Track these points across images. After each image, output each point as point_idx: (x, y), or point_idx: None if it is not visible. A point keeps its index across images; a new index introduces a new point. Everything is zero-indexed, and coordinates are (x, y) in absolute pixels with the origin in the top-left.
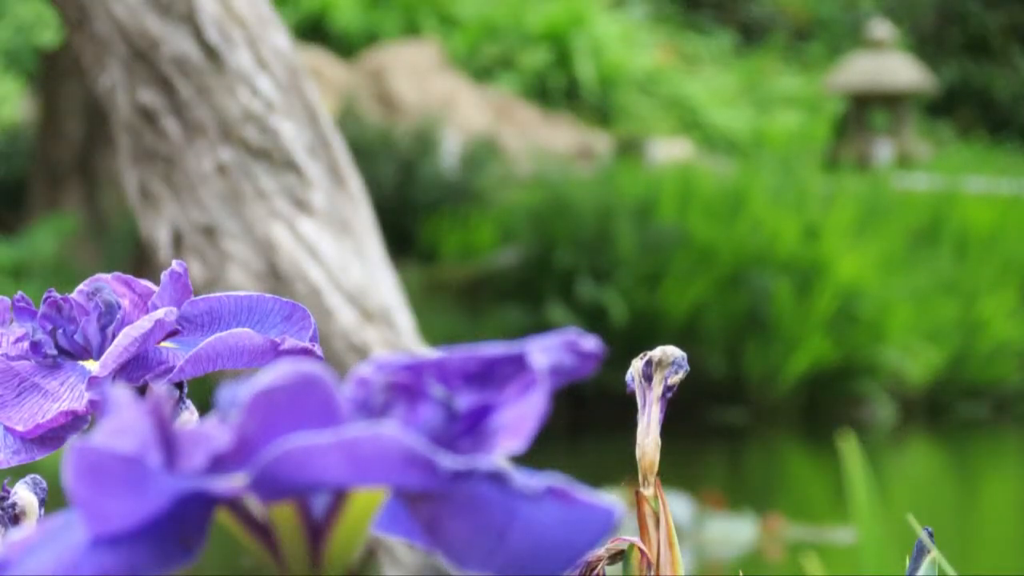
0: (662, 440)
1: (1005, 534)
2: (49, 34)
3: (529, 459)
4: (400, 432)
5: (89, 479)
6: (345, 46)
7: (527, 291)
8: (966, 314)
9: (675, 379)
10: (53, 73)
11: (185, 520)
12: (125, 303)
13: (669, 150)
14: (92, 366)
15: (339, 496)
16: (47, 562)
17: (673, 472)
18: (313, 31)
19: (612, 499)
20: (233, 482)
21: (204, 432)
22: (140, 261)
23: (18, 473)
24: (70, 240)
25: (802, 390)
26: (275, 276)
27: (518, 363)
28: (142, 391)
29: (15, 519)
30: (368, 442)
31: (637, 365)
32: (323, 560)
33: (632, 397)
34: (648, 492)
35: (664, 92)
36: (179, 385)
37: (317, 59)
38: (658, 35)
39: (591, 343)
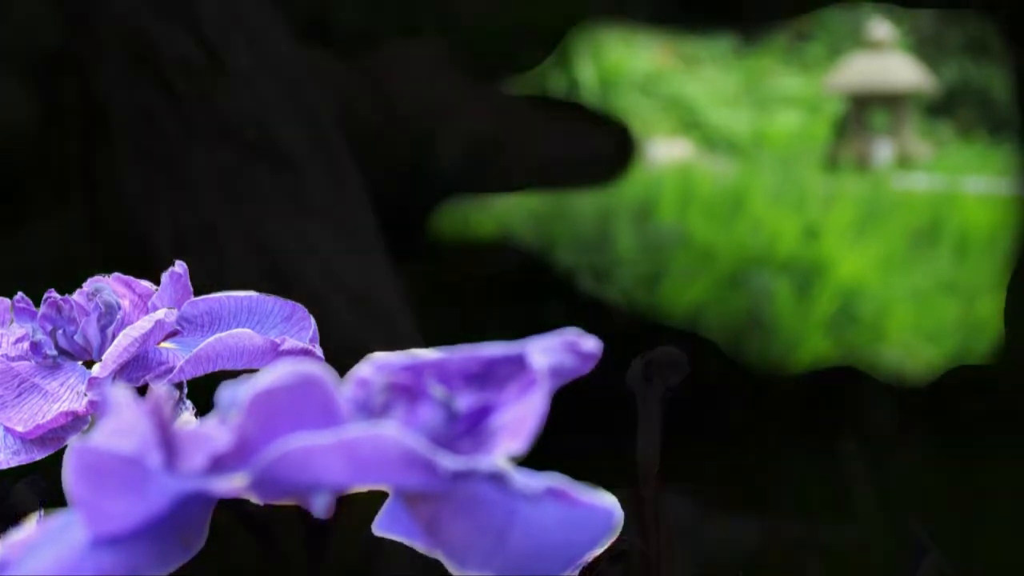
0: (662, 440)
1: (1005, 534)
2: (49, 34)
3: (529, 459)
4: (400, 432)
5: (89, 479)
6: (345, 46)
7: (527, 291)
8: (966, 314)
9: (675, 379)
10: (53, 73)
11: (185, 520)
12: (125, 304)
13: (669, 150)
14: (92, 367)
15: (339, 496)
16: (47, 562)
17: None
18: (313, 31)
19: (612, 500)
20: (233, 482)
21: (204, 432)
22: (140, 261)
23: (18, 473)
24: (70, 240)
25: (802, 390)
26: (275, 276)
27: (518, 363)
28: (142, 392)
29: (15, 519)
30: (368, 442)
31: (637, 365)
32: (323, 560)
33: (632, 397)
34: (648, 492)
35: (664, 92)
36: (179, 385)
37: (317, 59)
38: (658, 35)
39: (591, 343)
